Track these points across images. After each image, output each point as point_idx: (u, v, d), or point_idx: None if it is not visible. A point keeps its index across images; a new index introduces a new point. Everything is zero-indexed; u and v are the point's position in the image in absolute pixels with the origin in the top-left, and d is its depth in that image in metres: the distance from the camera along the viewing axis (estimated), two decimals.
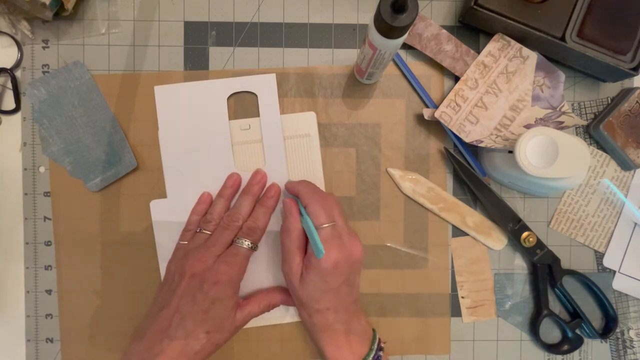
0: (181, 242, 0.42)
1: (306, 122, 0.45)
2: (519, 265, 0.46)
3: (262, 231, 0.41)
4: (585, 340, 0.45)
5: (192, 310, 0.37)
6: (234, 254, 0.39)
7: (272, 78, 0.44)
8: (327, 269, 0.37)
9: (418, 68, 0.45)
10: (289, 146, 0.44)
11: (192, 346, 0.36)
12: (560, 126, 0.42)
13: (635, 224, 0.46)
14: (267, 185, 0.44)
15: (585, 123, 0.45)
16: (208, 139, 0.44)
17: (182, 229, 0.43)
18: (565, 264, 0.45)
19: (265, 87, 0.44)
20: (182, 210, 0.43)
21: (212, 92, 0.44)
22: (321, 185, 0.45)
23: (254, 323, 0.44)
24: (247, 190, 0.43)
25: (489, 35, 0.44)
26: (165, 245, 0.44)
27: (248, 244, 0.40)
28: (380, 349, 0.40)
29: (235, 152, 0.44)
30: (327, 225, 0.38)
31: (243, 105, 0.45)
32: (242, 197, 0.42)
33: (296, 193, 0.41)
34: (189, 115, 0.44)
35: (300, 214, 0.40)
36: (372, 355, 0.39)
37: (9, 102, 0.44)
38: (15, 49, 0.44)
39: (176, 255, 0.41)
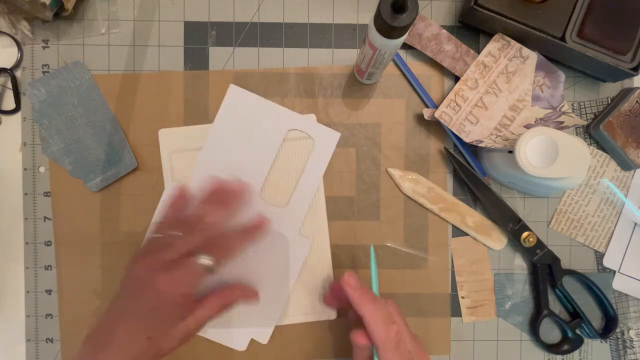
0: (149, 235, 0.40)
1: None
2: (519, 265, 0.46)
3: (230, 256, 0.38)
4: (585, 340, 0.45)
5: (135, 311, 0.35)
6: (183, 265, 0.36)
7: (336, 136, 0.44)
8: None
9: (418, 68, 0.45)
10: (288, 147, 0.44)
11: (131, 349, 0.34)
12: (560, 126, 0.42)
13: (635, 224, 0.46)
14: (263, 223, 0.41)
15: (585, 123, 0.45)
16: (251, 157, 0.44)
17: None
18: (565, 264, 0.45)
19: (327, 141, 0.44)
20: None
21: (277, 117, 0.44)
22: (321, 186, 0.45)
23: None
24: (225, 200, 0.40)
25: (489, 35, 0.44)
26: None
27: (206, 262, 0.36)
28: None
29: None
30: (391, 354, 0.34)
31: None
32: (216, 206, 0.40)
33: (350, 300, 0.37)
34: (246, 125, 0.44)
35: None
36: None
37: (9, 102, 0.44)
38: (15, 49, 0.44)
39: (138, 249, 0.39)
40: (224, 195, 0.40)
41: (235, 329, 0.44)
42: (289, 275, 0.44)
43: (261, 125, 0.44)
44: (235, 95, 0.44)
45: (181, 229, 0.38)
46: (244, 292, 0.40)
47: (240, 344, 0.44)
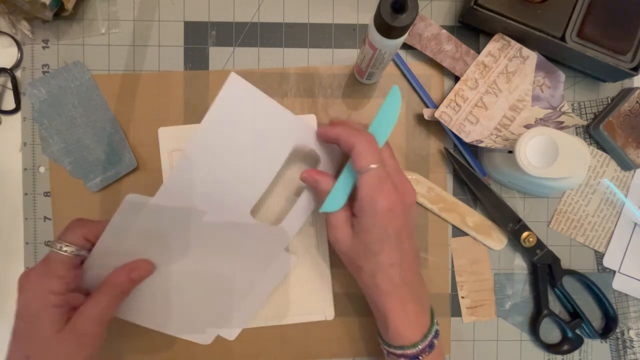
0: None
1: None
2: (519, 265, 0.46)
3: (92, 233, 0.35)
4: (585, 340, 0.45)
5: (14, 331, 0.31)
6: (45, 259, 0.33)
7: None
8: (382, 213, 0.32)
9: (418, 68, 0.45)
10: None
11: None
12: (560, 126, 0.42)
13: (635, 224, 0.45)
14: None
15: (585, 123, 0.45)
16: (245, 168, 0.37)
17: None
18: (565, 264, 0.45)
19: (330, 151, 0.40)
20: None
21: (284, 126, 0.37)
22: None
23: (254, 323, 0.44)
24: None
25: (489, 35, 0.44)
26: None
27: (67, 249, 0.33)
28: (437, 332, 0.35)
29: None
30: (374, 165, 0.32)
31: None
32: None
33: (335, 136, 0.35)
34: (243, 128, 0.37)
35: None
36: (432, 333, 0.35)
37: (9, 102, 0.44)
38: (15, 49, 0.44)
39: None
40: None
41: (199, 325, 0.41)
42: (264, 287, 0.41)
43: (263, 132, 0.37)
44: (235, 87, 0.36)
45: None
46: (132, 265, 0.36)
47: (204, 339, 0.41)
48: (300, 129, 0.38)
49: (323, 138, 0.37)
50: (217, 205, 0.38)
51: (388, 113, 0.36)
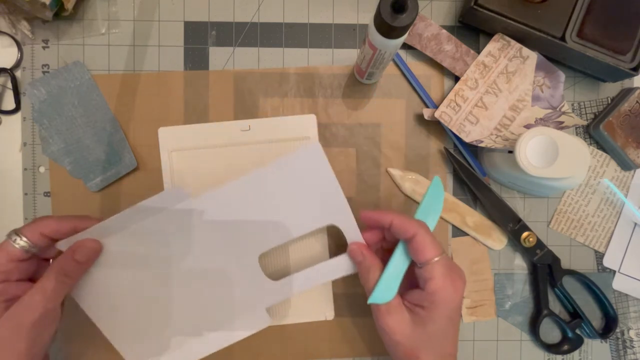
0: None
1: (306, 124, 0.44)
2: (519, 265, 0.46)
3: (46, 230, 0.34)
4: (585, 340, 0.45)
5: None
6: None
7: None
8: (454, 306, 0.33)
9: (418, 68, 0.45)
10: (288, 148, 0.44)
11: None
12: (560, 126, 0.42)
13: (635, 224, 0.45)
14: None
15: (585, 123, 0.45)
16: (273, 220, 0.38)
17: None
18: (565, 264, 0.45)
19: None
20: None
21: (330, 202, 0.37)
22: None
23: None
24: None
25: (489, 35, 0.44)
26: None
27: (17, 237, 0.33)
28: None
29: (234, 153, 0.44)
30: (438, 257, 0.33)
31: (243, 106, 0.45)
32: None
33: (389, 223, 0.34)
34: (288, 197, 0.37)
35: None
36: None
37: (9, 102, 0.44)
38: (15, 49, 0.44)
39: None
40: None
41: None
42: (231, 336, 0.39)
43: (307, 201, 0.37)
44: (311, 157, 0.37)
45: None
46: (75, 246, 0.34)
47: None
48: (343, 211, 0.37)
49: (370, 222, 0.36)
50: (228, 244, 0.38)
51: (433, 203, 0.36)
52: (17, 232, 0.34)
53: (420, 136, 0.46)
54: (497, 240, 0.45)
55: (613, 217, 0.46)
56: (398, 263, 0.35)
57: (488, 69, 0.44)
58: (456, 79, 0.45)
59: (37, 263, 0.36)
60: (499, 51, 0.44)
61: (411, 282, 0.35)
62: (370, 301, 0.35)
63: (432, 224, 0.36)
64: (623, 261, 0.46)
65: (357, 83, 0.45)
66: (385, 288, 0.35)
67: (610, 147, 0.45)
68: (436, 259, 0.33)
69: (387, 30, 0.31)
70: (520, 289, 0.46)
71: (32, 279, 0.35)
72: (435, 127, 0.45)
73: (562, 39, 0.41)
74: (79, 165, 0.44)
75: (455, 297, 0.33)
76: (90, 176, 0.44)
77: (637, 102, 0.44)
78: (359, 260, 0.36)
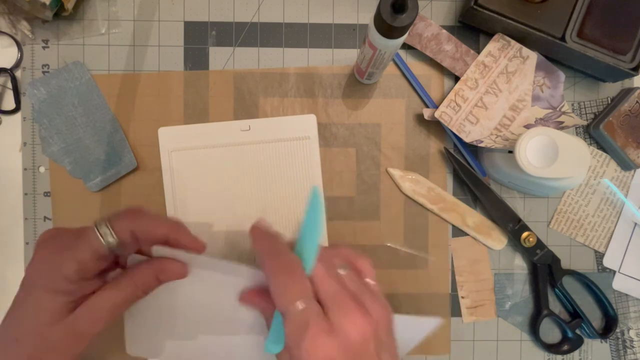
0: None
1: (306, 124, 0.45)
2: (519, 265, 0.46)
3: (139, 228, 0.29)
4: (585, 340, 0.45)
5: (16, 298, 0.28)
6: (76, 234, 0.28)
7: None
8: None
9: (418, 68, 0.45)
10: (288, 148, 0.44)
11: (3, 355, 0.26)
12: (560, 126, 0.42)
13: (635, 224, 0.45)
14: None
15: (585, 123, 0.45)
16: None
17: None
18: (565, 264, 0.45)
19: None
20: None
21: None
22: (320, 187, 0.45)
23: None
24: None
25: (489, 35, 0.44)
26: None
27: (105, 231, 0.28)
28: None
29: (234, 153, 0.44)
30: (296, 307, 0.25)
31: (243, 106, 0.45)
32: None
33: (262, 268, 0.29)
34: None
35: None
36: None
37: (9, 102, 0.44)
38: (15, 49, 0.44)
39: None
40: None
41: None
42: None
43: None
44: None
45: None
46: (163, 265, 0.30)
47: None
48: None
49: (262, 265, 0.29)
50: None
51: (312, 220, 0.30)
52: (107, 224, 0.28)
53: (420, 136, 0.46)
54: (497, 240, 0.45)
55: (613, 217, 0.46)
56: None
57: (488, 69, 0.44)
58: (456, 79, 0.45)
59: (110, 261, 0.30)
60: (499, 51, 0.44)
61: None
62: (264, 350, 0.29)
63: (310, 252, 0.28)
64: (623, 261, 0.46)
65: (357, 83, 0.45)
66: (275, 338, 0.28)
67: (610, 147, 0.45)
68: (292, 306, 0.25)
69: (387, 30, 0.31)
70: (520, 289, 0.46)
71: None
72: (435, 127, 0.45)
73: (562, 39, 0.41)
74: (79, 165, 0.44)
75: (326, 351, 0.24)
76: (90, 176, 0.44)
77: (637, 102, 0.44)
78: (257, 308, 0.31)
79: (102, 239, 0.27)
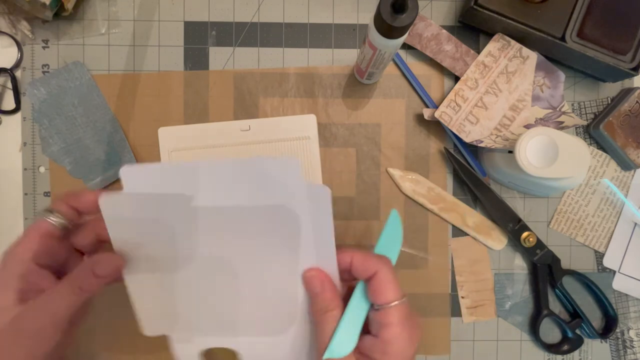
0: None
1: (306, 124, 0.45)
2: (519, 265, 0.46)
3: (85, 207, 0.31)
4: (585, 340, 0.45)
5: None
6: (31, 226, 0.30)
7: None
8: (410, 356, 0.28)
9: (418, 68, 0.45)
10: (288, 148, 0.44)
11: None
12: (560, 126, 0.42)
13: (635, 224, 0.45)
14: None
15: (585, 123, 0.45)
16: None
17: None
18: (565, 264, 0.45)
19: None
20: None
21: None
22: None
23: None
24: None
25: (489, 35, 0.44)
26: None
27: (50, 213, 0.30)
28: None
29: (234, 153, 0.44)
30: (400, 301, 0.28)
31: (243, 106, 0.45)
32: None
33: (348, 261, 0.29)
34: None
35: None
36: None
37: (9, 102, 0.44)
38: (15, 49, 0.44)
39: None
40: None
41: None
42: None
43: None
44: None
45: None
46: (96, 265, 0.29)
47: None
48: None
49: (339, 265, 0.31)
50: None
51: (392, 239, 0.32)
52: (48, 209, 0.30)
53: (420, 136, 0.46)
54: (497, 240, 0.45)
55: (613, 217, 0.46)
56: (358, 307, 0.29)
57: (488, 69, 0.44)
58: (456, 79, 0.45)
59: (67, 252, 0.31)
60: (499, 51, 0.44)
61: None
62: (327, 356, 0.28)
63: (393, 259, 0.31)
64: (623, 261, 0.46)
65: (357, 83, 0.45)
66: (345, 339, 0.28)
67: (610, 147, 0.45)
68: (395, 302, 0.28)
69: (387, 30, 0.31)
70: (520, 289, 0.46)
71: (59, 273, 0.31)
72: (435, 127, 0.45)
73: (562, 39, 0.41)
74: (79, 165, 0.44)
75: (410, 350, 0.28)
76: (90, 176, 0.44)
77: (637, 102, 0.44)
78: (316, 291, 0.29)
79: (49, 220, 0.29)
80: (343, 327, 0.28)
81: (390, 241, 0.31)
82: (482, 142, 0.42)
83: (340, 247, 0.31)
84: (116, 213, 0.31)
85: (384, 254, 0.30)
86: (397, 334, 0.27)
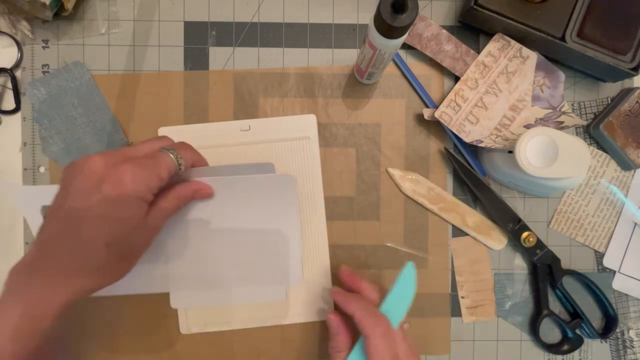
0: None
1: (306, 124, 0.45)
2: (519, 265, 0.46)
3: (190, 163, 0.36)
4: (585, 340, 0.45)
5: (85, 215, 0.29)
6: (151, 157, 0.32)
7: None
8: None
9: (418, 68, 0.45)
10: (288, 148, 0.44)
11: (88, 261, 0.29)
12: (560, 126, 0.42)
13: (635, 224, 0.45)
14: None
15: (585, 123, 0.45)
16: None
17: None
18: (565, 264, 0.45)
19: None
20: None
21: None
22: (320, 186, 0.45)
23: (254, 323, 0.44)
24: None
25: (489, 35, 0.44)
26: None
27: (176, 155, 0.34)
28: None
29: (234, 153, 0.44)
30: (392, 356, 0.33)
31: (243, 106, 0.45)
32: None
33: (351, 313, 0.35)
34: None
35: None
36: None
37: (9, 102, 0.44)
38: (15, 49, 0.44)
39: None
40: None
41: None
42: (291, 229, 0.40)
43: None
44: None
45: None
46: (197, 185, 0.37)
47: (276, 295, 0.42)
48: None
49: (338, 303, 0.38)
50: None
51: (404, 290, 0.36)
52: (177, 153, 0.34)
53: (420, 136, 0.46)
54: (497, 240, 0.45)
55: (613, 217, 0.46)
56: (358, 355, 0.35)
57: (488, 69, 0.44)
58: (456, 79, 0.45)
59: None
60: (499, 51, 0.44)
61: None
62: None
63: (397, 316, 0.35)
64: (623, 261, 0.46)
65: (357, 83, 0.45)
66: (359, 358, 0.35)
67: (610, 147, 0.45)
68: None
69: (387, 30, 0.31)
70: (520, 289, 0.46)
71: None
72: (435, 127, 0.45)
73: (562, 39, 0.41)
74: None
75: None
76: None
77: (637, 102, 0.44)
78: (333, 332, 0.38)
79: (174, 160, 0.34)
80: (354, 353, 0.35)
81: (402, 295, 0.36)
82: (482, 142, 0.42)
83: (356, 274, 0.40)
84: None
85: (392, 308, 0.35)
86: None
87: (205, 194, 0.37)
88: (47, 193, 0.34)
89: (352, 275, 0.40)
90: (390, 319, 0.35)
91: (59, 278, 0.29)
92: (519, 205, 0.46)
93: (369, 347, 0.33)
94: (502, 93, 0.44)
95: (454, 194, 0.46)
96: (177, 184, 0.36)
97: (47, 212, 0.31)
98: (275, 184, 0.38)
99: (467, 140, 0.43)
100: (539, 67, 0.44)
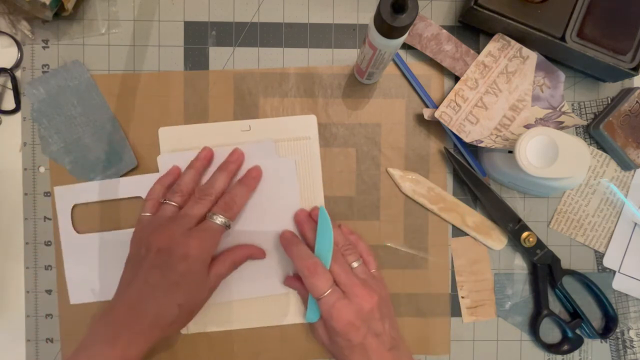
0: (143, 215, 0.40)
1: (307, 124, 0.45)
2: (519, 265, 0.46)
3: (239, 208, 0.41)
4: (585, 340, 0.45)
5: (162, 283, 0.36)
6: (205, 229, 0.38)
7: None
8: (341, 330, 0.37)
9: (418, 68, 0.45)
10: (288, 148, 0.44)
11: (166, 318, 0.36)
12: (560, 126, 0.42)
13: (635, 224, 0.46)
14: (246, 165, 0.44)
15: (585, 123, 0.45)
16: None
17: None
18: (565, 264, 0.45)
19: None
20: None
21: None
22: (320, 186, 0.45)
23: (254, 323, 0.44)
24: (223, 167, 0.42)
25: (489, 35, 0.44)
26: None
27: (222, 220, 0.39)
28: None
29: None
30: (325, 294, 0.37)
31: (243, 106, 0.45)
32: (217, 173, 0.42)
33: (289, 257, 0.41)
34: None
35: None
36: None
37: (9, 102, 0.44)
38: (15, 49, 0.44)
39: (140, 228, 0.40)
40: (225, 164, 0.43)
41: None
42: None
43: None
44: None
45: (181, 198, 0.40)
46: (251, 250, 0.42)
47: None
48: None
49: (282, 247, 0.43)
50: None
51: (324, 232, 0.40)
52: (215, 213, 0.39)
53: (420, 136, 0.46)
54: (497, 240, 0.45)
55: (613, 217, 0.46)
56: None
57: (488, 69, 0.44)
58: (456, 79, 0.45)
59: None
60: (499, 51, 0.44)
61: None
62: (305, 320, 0.42)
63: (327, 254, 0.39)
64: (623, 261, 0.46)
65: (357, 83, 0.45)
66: (312, 311, 0.39)
67: (610, 147, 0.45)
68: (324, 294, 0.37)
69: (387, 30, 0.31)
70: (520, 289, 0.46)
71: None
72: (435, 127, 0.45)
73: (562, 39, 0.41)
74: (79, 164, 0.44)
75: (340, 325, 0.36)
76: (90, 175, 0.44)
77: (637, 102, 0.44)
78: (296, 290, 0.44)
79: (217, 223, 0.39)
80: (310, 304, 0.40)
81: (324, 237, 0.39)
82: (482, 142, 0.42)
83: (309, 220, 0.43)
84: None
85: (322, 250, 0.39)
86: (326, 318, 0.37)
87: (257, 257, 0.43)
88: (78, 192, 0.44)
89: (304, 221, 0.43)
90: (323, 260, 0.39)
91: (144, 333, 0.35)
92: (519, 205, 0.46)
93: (308, 287, 0.38)
94: (502, 93, 0.44)
95: (454, 194, 0.46)
96: (234, 247, 0.42)
97: (122, 280, 0.39)
98: (276, 167, 0.43)
99: (467, 140, 0.43)
100: (539, 67, 0.44)
